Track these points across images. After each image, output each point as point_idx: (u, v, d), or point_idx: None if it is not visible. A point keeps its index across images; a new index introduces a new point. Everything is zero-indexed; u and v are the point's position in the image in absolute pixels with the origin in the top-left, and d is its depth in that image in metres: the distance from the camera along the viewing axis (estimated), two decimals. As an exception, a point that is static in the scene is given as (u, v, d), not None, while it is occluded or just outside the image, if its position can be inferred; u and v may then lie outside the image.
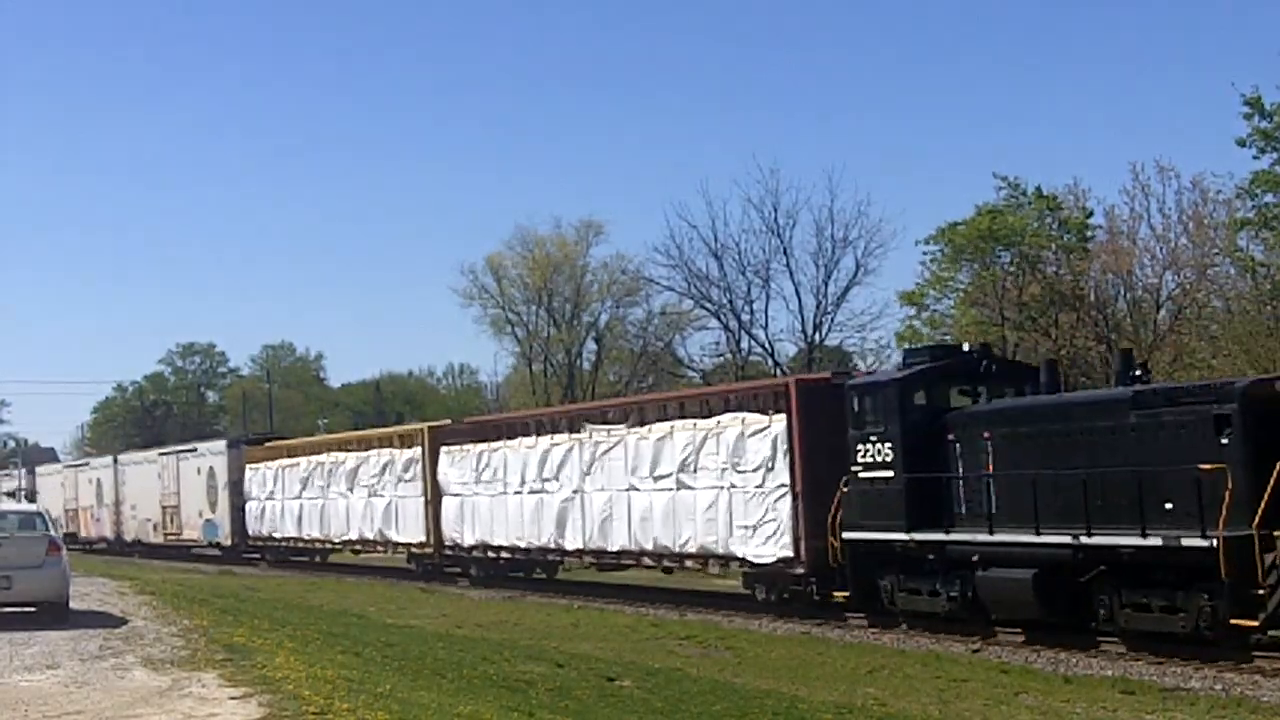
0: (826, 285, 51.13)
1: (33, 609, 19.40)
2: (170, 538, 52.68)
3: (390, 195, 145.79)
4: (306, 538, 41.82)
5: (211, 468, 48.84)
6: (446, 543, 34.23)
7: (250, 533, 45.55)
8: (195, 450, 52.07)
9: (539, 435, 31.33)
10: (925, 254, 46.50)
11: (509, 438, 32.60)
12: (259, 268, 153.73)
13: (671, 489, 26.09)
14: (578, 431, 29.76)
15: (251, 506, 45.47)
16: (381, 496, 36.81)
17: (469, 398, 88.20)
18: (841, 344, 51.95)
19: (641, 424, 27.93)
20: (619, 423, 28.91)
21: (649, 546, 26.80)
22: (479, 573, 33.83)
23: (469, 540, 33.31)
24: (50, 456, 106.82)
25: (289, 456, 43.88)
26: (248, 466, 46.06)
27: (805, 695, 15.04)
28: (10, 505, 25.82)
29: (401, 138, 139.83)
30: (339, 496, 39.34)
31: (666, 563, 27.33)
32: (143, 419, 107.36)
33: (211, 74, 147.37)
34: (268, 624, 19.74)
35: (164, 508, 52.72)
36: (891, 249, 60.42)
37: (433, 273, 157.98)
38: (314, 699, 11.24)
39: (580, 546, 29.20)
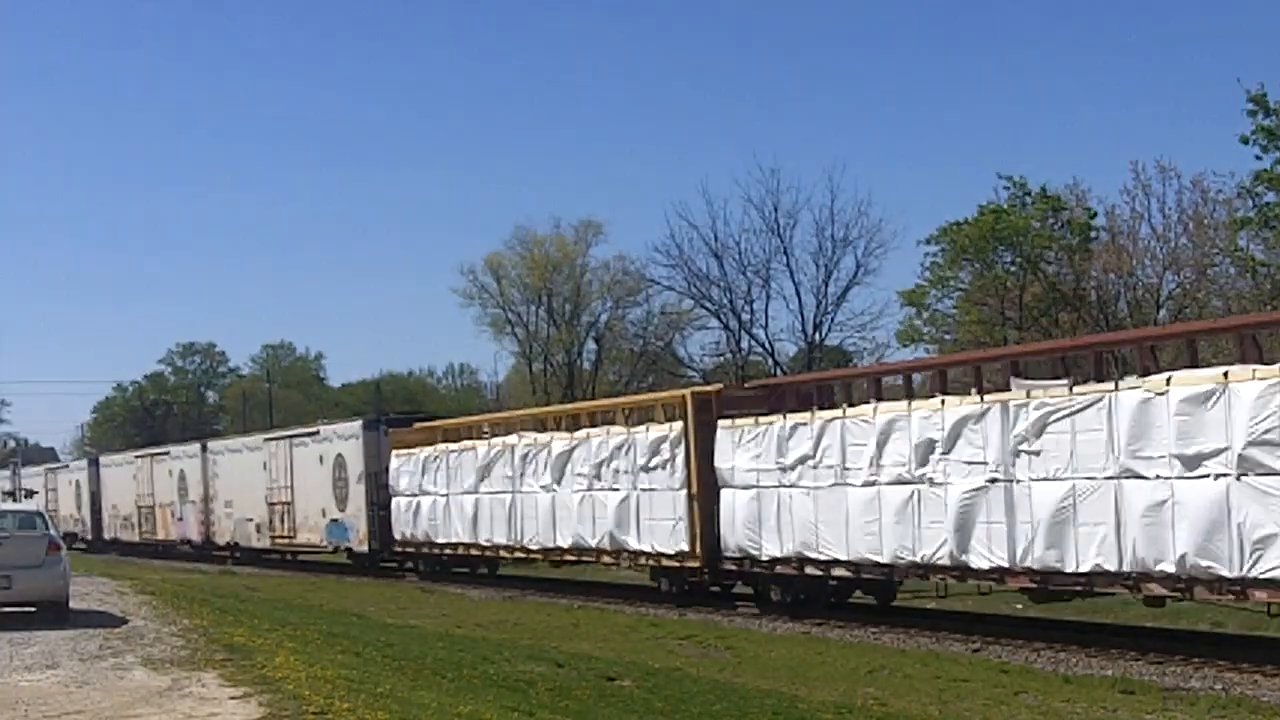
0: (827, 285, 51.26)
1: (33, 609, 19.40)
2: (280, 542, 43.60)
3: (390, 195, 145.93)
4: (485, 543, 32.56)
5: (340, 455, 39.50)
6: (729, 552, 24.49)
7: (396, 536, 36.40)
8: (317, 434, 41.69)
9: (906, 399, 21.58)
10: (927, 254, 46.57)
11: (838, 403, 23.31)
12: (259, 268, 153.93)
13: None
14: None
15: (399, 504, 36.06)
16: (615, 490, 27.34)
17: (469, 398, 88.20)
18: (842, 344, 52.06)
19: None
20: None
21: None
22: (787, 597, 24.00)
23: (772, 550, 23.35)
24: (50, 456, 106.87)
25: (456, 440, 34.69)
26: (394, 454, 36.57)
27: (805, 695, 15.04)
28: (10, 505, 25.75)
29: (402, 138, 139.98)
30: (540, 490, 29.95)
31: None
32: (143, 419, 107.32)
33: (212, 74, 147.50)
34: (268, 624, 19.73)
35: (272, 505, 43.52)
36: (892, 249, 60.56)
37: (433, 273, 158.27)
38: (314, 699, 11.24)
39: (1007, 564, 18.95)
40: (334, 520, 39.73)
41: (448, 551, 34.61)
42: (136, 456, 58.67)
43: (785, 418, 23.20)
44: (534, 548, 30.48)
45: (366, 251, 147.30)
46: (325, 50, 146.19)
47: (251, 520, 45.34)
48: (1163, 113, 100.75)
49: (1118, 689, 15.37)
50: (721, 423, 24.66)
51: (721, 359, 53.78)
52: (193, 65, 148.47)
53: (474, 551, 33.49)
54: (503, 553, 32.24)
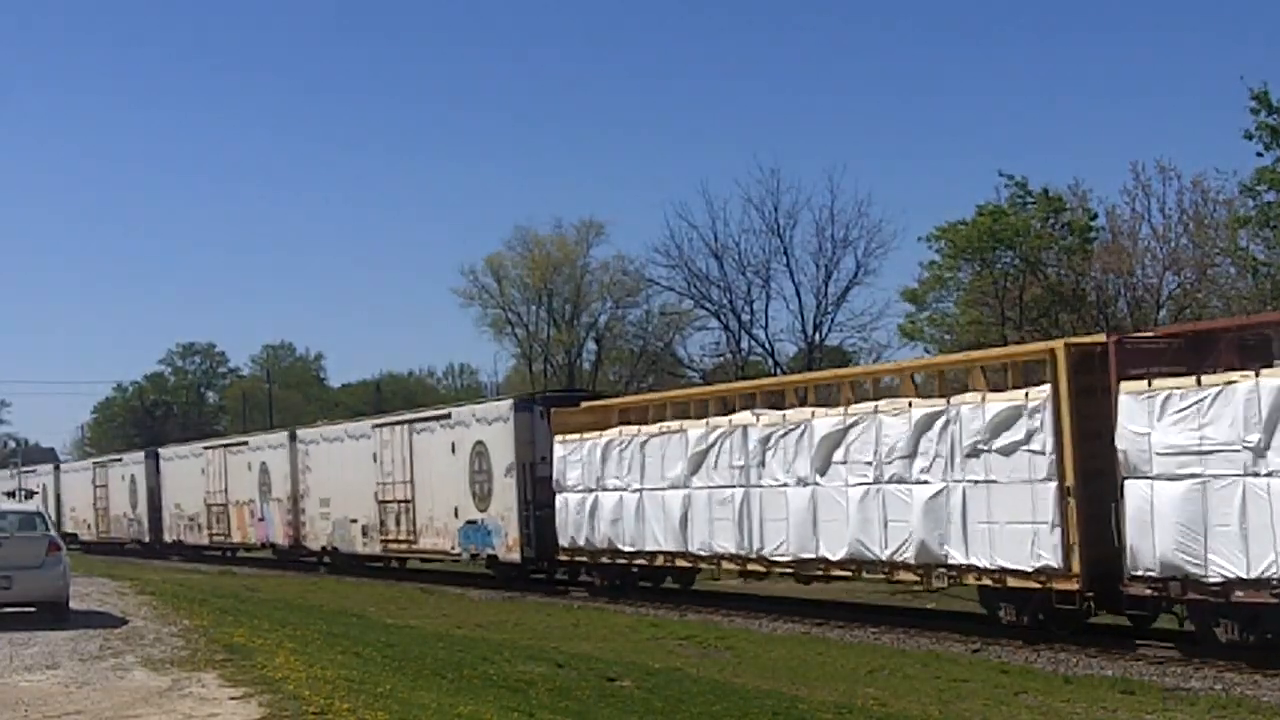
0: (827, 285, 51.18)
1: (33, 609, 19.41)
2: (395, 547, 36.62)
3: (390, 195, 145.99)
4: (700, 552, 25.13)
5: (480, 443, 32.22)
6: (1143, 570, 17.36)
7: (562, 543, 29.11)
8: (447, 418, 34.32)
9: None
10: (926, 255, 46.59)
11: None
12: (259, 268, 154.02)
13: None
14: None
15: (568, 502, 28.73)
16: (924, 483, 20.43)
17: (469, 398, 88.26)
18: (842, 344, 52.01)
19: None
20: None
21: None
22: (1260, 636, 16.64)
23: (1234, 569, 16.27)
24: (50, 456, 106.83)
25: (642, 420, 27.65)
26: (557, 440, 29.31)
27: (805, 695, 15.04)
28: (10, 505, 25.74)
29: (402, 138, 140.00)
30: (793, 484, 22.92)
31: None
32: (143, 419, 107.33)
33: (212, 74, 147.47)
34: (268, 624, 19.74)
35: (383, 504, 36.67)
36: (892, 249, 60.54)
37: (433, 273, 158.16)
38: (314, 699, 11.25)
39: None
40: (471, 522, 32.33)
41: (639, 562, 27.10)
42: (206, 448, 50.92)
43: (1258, 376, 16.14)
44: (780, 558, 23.26)
45: (366, 251, 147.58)
46: (325, 51, 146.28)
47: (356, 521, 37.99)
48: (1164, 112, 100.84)
49: (1118, 689, 15.37)
50: (1126, 385, 17.68)
51: (721, 359, 53.76)
52: (193, 65, 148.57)
53: (680, 562, 25.87)
54: (726, 563, 24.96)
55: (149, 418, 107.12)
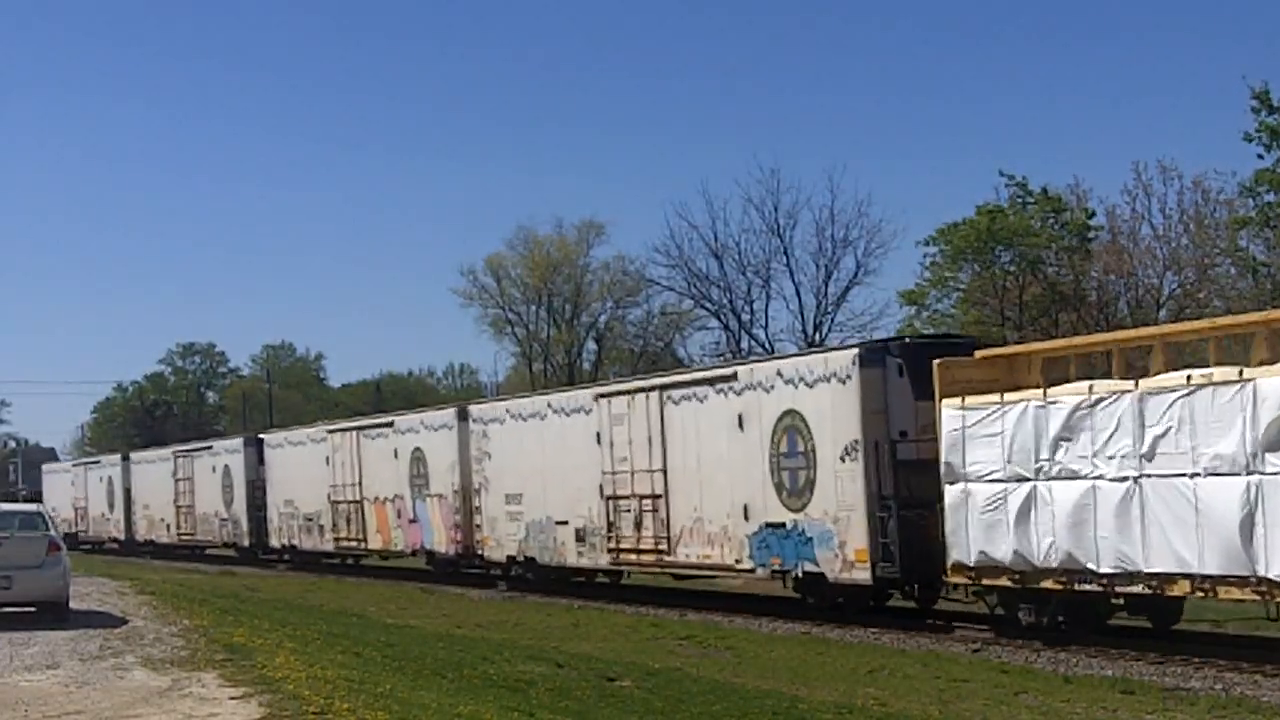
0: (827, 285, 51.27)
1: (33, 609, 19.42)
2: (639, 558, 26.61)
3: (391, 195, 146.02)
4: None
5: (791, 414, 22.56)
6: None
7: (957, 557, 19.62)
8: (731, 379, 24.20)
9: None
10: (925, 255, 46.63)
11: None
12: (259, 268, 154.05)
13: None
14: None
15: (972, 498, 19.43)
16: None
17: (469, 399, 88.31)
18: (842, 344, 52.01)
19: None
20: None
21: None
22: None
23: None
24: (50, 456, 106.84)
25: (1087, 374, 19.07)
26: (945, 405, 19.86)
27: (805, 695, 15.03)
28: (10, 505, 25.81)
29: (402, 137, 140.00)
30: None
31: None
32: (143, 419, 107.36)
33: (212, 74, 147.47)
34: (268, 624, 19.74)
35: (614, 500, 26.96)
36: (892, 249, 60.57)
37: (433, 273, 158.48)
38: (314, 699, 11.25)
39: None
40: (774, 526, 22.96)
41: (1129, 589, 17.69)
42: (331, 431, 40.57)
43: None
44: None
45: (367, 251, 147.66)
46: (326, 51, 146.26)
47: (566, 524, 28.63)
48: (1164, 112, 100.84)
49: (1118, 689, 15.36)
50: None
51: (721, 359, 53.80)
52: (193, 64, 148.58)
53: (1233, 591, 16.15)
54: None
55: (149, 418, 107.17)
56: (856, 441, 21.26)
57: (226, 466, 46.70)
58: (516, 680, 15.03)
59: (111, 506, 58.23)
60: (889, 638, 20.55)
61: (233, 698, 11.61)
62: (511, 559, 30.84)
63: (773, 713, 13.64)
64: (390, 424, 36.72)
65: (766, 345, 51.96)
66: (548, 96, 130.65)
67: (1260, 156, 35.26)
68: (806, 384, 22.43)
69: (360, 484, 37.49)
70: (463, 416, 32.96)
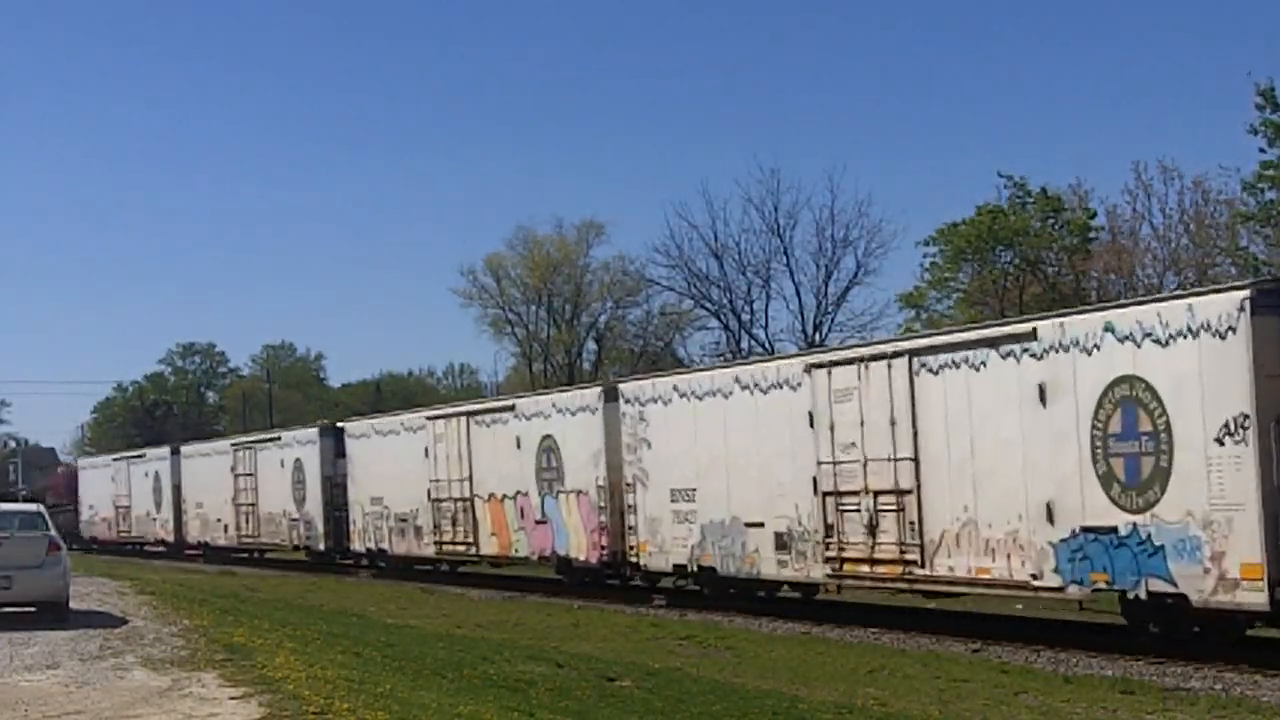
0: (827, 285, 51.30)
1: (33, 609, 19.43)
2: (881, 571, 21.01)
3: (390, 195, 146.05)
4: None
5: (1130, 383, 17.08)
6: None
7: None
8: (1022, 340, 18.66)
9: None
10: (926, 255, 46.63)
11: None
12: (259, 268, 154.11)
13: None
14: None
15: None
16: None
17: (469, 399, 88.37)
18: (842, 344, 52.00)
19: None
20: None
21: None
22: None
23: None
24: (50, 456, 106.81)
25: None
26: None
27: (805, 695, 15.03)
28: (10, 505, 25.87)
29: (402, 137, 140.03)
30: None
31: None
32: (143, 419, 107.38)
33: (212, 74, 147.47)
34: (268, 624, 19.74)
35: (837, 497, 21.56)
36: (892, 249, 60.64)
37: (433, 273, 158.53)
38: (314, 699, 11.25)
39: None
40: (1090, 531, 17.65)
41: None
42: (430, 417, 34.59)
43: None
44: None
45: (367, 251, 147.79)
46: (326, 50, 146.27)
47: (762, 526, 23.02)
48: (1165, 112, 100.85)
49: (1118, 689, 15.36)
50: None
51: (721, 359, 53.82)
52: (193, 64, 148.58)
53: None
54: None
55: (149, 418, 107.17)
56: (1244, 417, 15.76)
57: (298, 460, 41.25)
58: (516, 680, 15.03)
59: (158, 505, 52.85)
60: (889, 638, 20.55)
61: (233, 698, 11.61)
62: (680, 569, 25.40)
63: (773, 713, 13.64)
64: (510, 407, 31.09)
65: (767, 345, 52.02)
66: (548, 96, 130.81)
67: (1262, 150, 35.36)
68: (1156, 341, 16.75)
69: (471, 478, 31.98)
70: (610, 396, 27.37)
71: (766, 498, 22.99)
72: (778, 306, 65.98)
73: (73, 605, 20.24)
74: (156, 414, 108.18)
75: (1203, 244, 39.59)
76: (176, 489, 50.99)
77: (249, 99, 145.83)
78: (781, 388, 22.76)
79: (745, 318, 52.94)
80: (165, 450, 53.89)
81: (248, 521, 45.06)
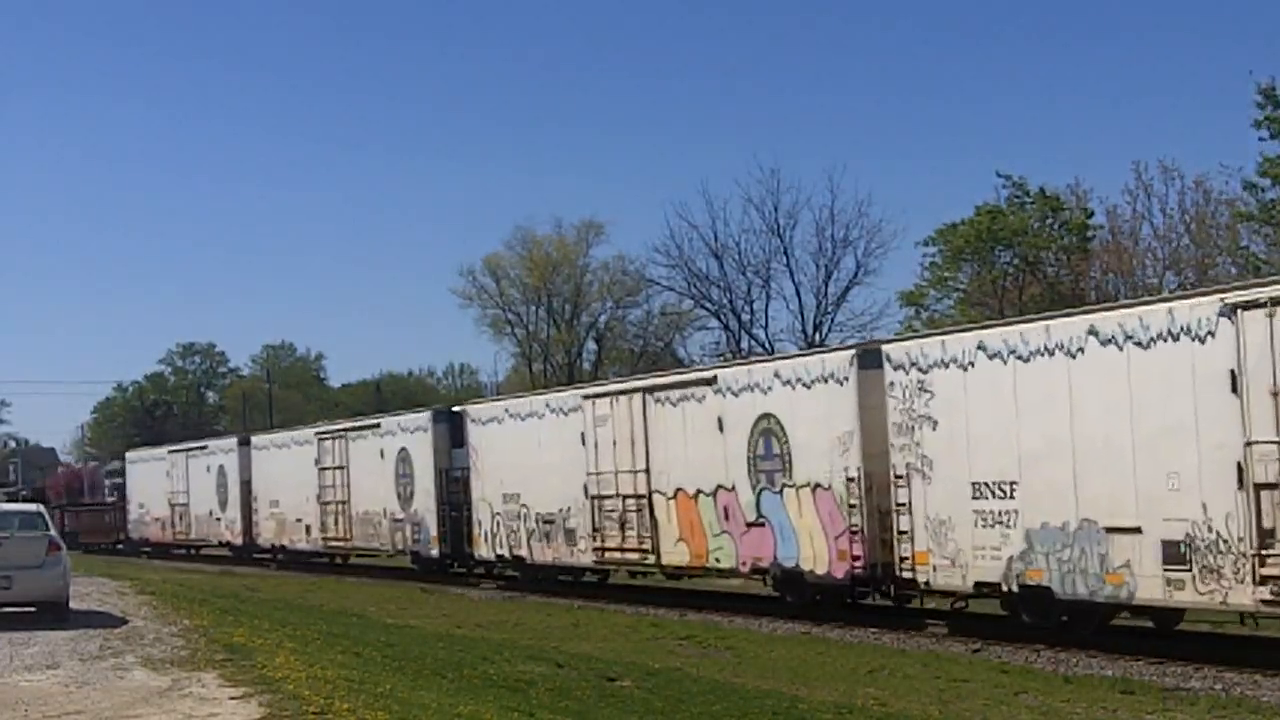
0: (827, 285, 51.32)
1: (33, 609, 19.42)
2: None
3: (390, 195, 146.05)
4: None
5: None
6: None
7: None
8: None
9: None
10: (925, 255, 46.66)
11: None
12: (259, 268, 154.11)
13: None
14: None
15: None
16: None
17: (469, 398, 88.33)
18: (843, 344, 52.03)
19: None
20: None
21: None
22: None
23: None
24: (50, 456, 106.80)
25: None
26: None
27: (805, 695, 15.03)
28: (10, 505, 25.83)
29: (402, 137, 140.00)
30: None
31: None
32: (143, 419, 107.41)
33: (212, 73, 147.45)
34: (268, 624, 19.74)
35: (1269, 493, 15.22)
36: (892, 249, 60.65)
37: (432, 273, 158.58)
38: (314, 699, 11.25)
39: None
40: None
41: None
42: (589, 396, 28.31)
43: None
44: None
45: (367, 251, 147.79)
46: (326, 50, 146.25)
47: (1137, 532, 17.16)
48: (1165, 112, 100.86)
49: (1118, 689, 15.36)
50: None
51: (721, 359, 53.85)
52: (193, 64, 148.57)
53: None
54: None
55: (149, 418, 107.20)
56: None
57: (403, 450, 35.22)
58: (516, 680, 15.03)
59: (224, 504, 46.76)
60: (889, 638, 20.55)
61: (233, 698, 11.61)
62: (985, 587, 19.29)
63: (773, 713, 13.63)
64: (709, 379, 24.80)
65: (767, 345, 52.01)
66: (548, 96, 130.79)
67: (1262, 140, 35.46)
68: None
69: (648, 470, 26.04)
70: (869, 361, 21.09)
71: (1148, 493, 16.92)
72: (778, 306, 65.97)
73: (73, 605, 20.23)
74: (156, 414, 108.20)
75: (1203, 244, 39.59)
76: (245, 485, 45.04)
77: (249, 99, 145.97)
78: (1175, 338, 16.56)
79: (745, 318, 53.01)
80: (232, 441, 47.88)
81: (336, 523, 38.75)
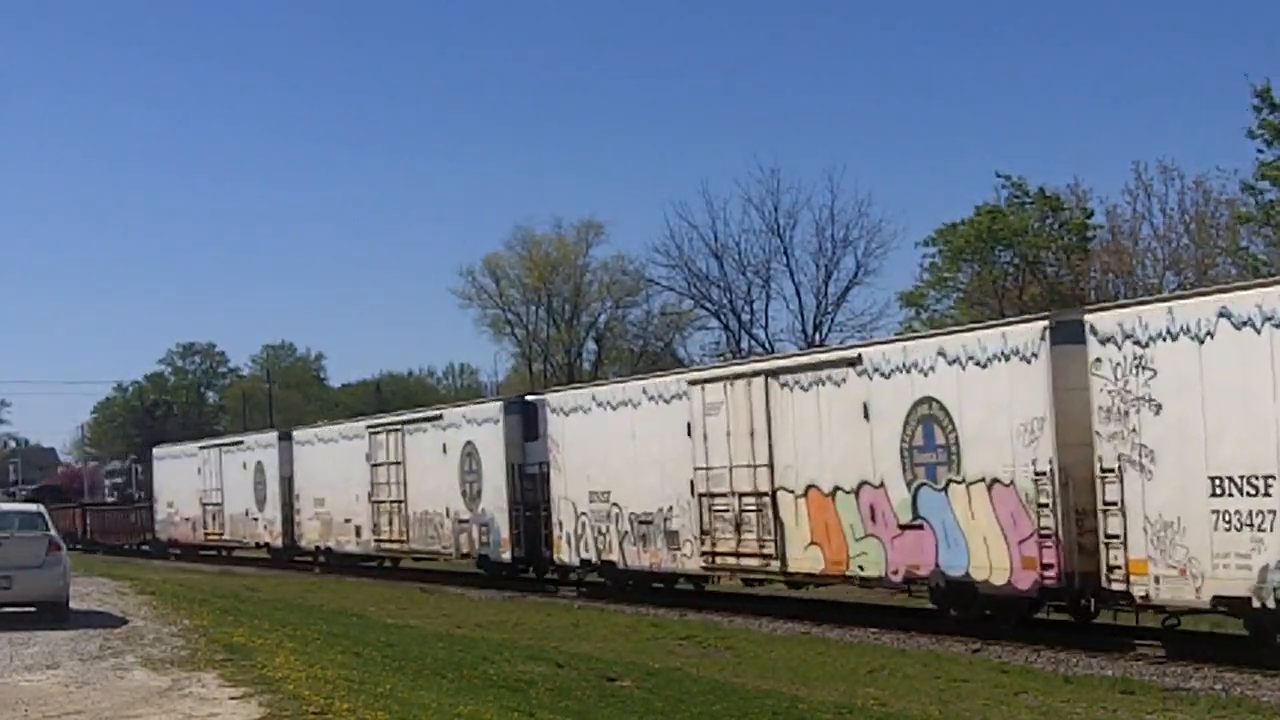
0: (827, 285, 51.34)
1: (33, 609, 19.42)
2: None
3: (390, 195, 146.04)
4: None
5: None
6: None
7: None
8: None
9: None
10: (925, 255, 46.66)
11: None
12: (259, 268, 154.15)
13: None
14: None
15: None
16: None
17: (469, 398, 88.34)
18: (843, 344, 52.01)
19: None
20: None
21: None
22: None
23: None
24: (50, 456, 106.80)
25: None
26: None
27: (805, 695, 15.03)
28: (10, 505, 25.82)
29: (402, 137, 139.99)
30: None
31: None
32: (143, 419, 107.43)
33: (212, 73, 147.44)
34: (268, 624, 19.74)
35: None
36: (892, 249, 60.65)
37: (433, 273, 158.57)
38: (314, 699, 11.25)
39: None
40: None
41: None
42: (695, 381, 24.93)
43: None
44: None
45: (366, 251, 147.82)
46: (325, 50, 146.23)
47: None
48: (1165, 112, 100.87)
49: (1118, 689, 15.36)
50: None
51: (721, 359, 53.86)
52: (193, 64, 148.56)
53: None
54: None
55: (149, 418, 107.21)
56: None
57: (469, 444, 32.04)
58: (516, 680, 15.03)
59: (261, 503, 43.63)
60: (889, 638, 20.54)
61: (233, 698, 11.61)
62: (1228, 601, 16.06)
63: (773, 713, 13.64)
64: (852, 360, 21.23)
65: (767, 345, 52.04)
66: (548, 96, 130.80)
67: (1260, 152, 35.43)
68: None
69: (771, 464, 22.62)
70: (1064, 336, 17.95)
71: None
72: (778, 306, 66.00)
73: (73, 605, 20.24)
74: (156, 414, 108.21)
75: (1203, 244, 39.59)
76: (286, 482, 41.86)
77: (249, 99, 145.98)
78: None
79: (745, 318, 53.03)
80: (271, 436, 44.39)
81: (391, 523, 35.71)
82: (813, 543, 21.86)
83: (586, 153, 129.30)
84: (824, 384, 21.58)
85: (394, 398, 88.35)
